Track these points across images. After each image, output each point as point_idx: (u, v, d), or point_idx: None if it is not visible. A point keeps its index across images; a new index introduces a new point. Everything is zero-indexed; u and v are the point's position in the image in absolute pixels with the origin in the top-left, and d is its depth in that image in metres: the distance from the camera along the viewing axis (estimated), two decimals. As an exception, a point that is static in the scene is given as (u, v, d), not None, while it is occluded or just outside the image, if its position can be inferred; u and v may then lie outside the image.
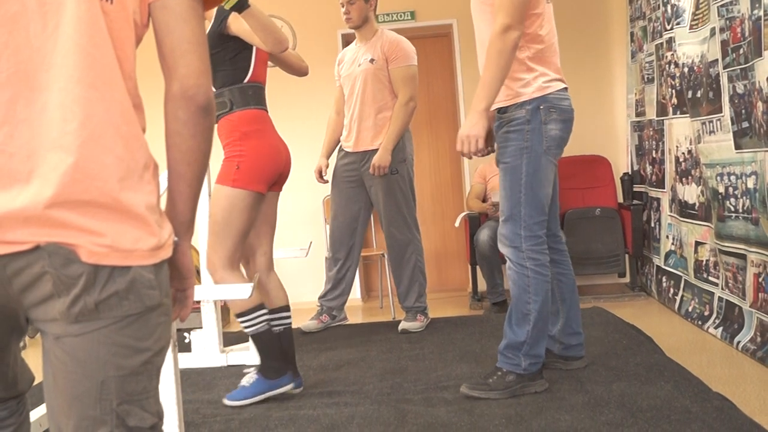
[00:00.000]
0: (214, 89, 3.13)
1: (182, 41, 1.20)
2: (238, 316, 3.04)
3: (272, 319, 3.12)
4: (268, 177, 3.07)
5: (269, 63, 3.27)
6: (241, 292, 3.74)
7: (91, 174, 1.06)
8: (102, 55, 1.10)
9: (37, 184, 1.03)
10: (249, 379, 3.10)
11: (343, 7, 4.31)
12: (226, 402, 3.08)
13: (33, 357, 4.51)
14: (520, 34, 2.79)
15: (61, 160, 1.04)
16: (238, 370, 3.69)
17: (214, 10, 3.08)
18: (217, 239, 3.03)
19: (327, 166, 4.53)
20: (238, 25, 2.96)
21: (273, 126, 3.17)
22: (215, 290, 3.78)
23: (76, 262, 1.05)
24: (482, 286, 5.35)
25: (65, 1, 1.08)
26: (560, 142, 2.95)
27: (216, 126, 3.16)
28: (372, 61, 4.29)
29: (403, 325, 4.37)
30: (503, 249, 3.00)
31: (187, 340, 4.07)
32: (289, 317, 3.22)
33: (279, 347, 3.10)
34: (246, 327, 3.05)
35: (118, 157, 1.09)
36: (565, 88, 2.99)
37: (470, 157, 2.91)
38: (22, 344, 5.20)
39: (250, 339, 3.83)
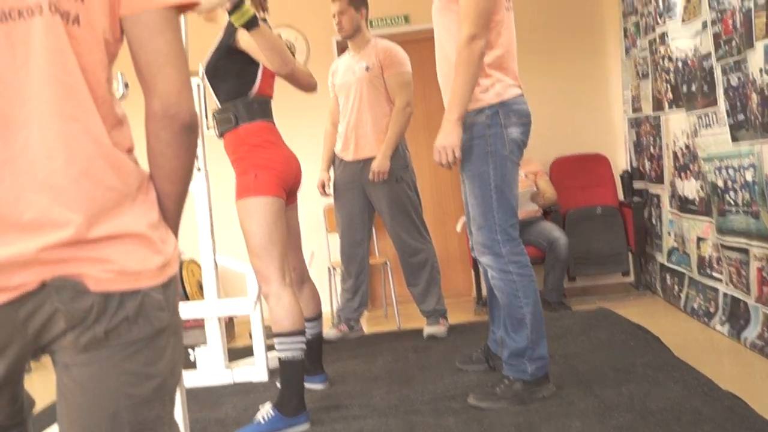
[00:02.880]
0: (218, 103, 3.12)
1: (158, 55, 1.12)
2: (277, 335, 2.93)
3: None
4: (285, 184, 3.03)
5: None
6: (244, 307, 3.74)
7: (84, 210, 1.03)
8: (77, 82, 1.06)
9: (31, 228, 1.01)
10: (264, 414, 2.91)
11: (335, 17, 4.33)
12: None
13: (38, 380, 4.50)
14: (485, 42, 2.82)
15: (52, 200, 1.02)
16: (244, 387, 3.68)
17: (225, 21, 3.07)
18: (264, 252, 2.94)
19: (329, 179, 4.54)
20: (246, 40, 2.93)
21: (281, 138, 3.13)
22: (219, 307, 3.78)
23: (85, 293, 1.03)
24: (486, 290, 5.33)
25: (32, 30, 1.03)
26: (521, 144, 2.97)
27: (222, 141, 3.13)
28: (367, 68, 4.30)
29: (428, 330, 4.35)
30: (483, 258, 2.97)
31: (192, 358, 4.06)
32: (318, 326, 3.34)
33: (302, 382, 2.97)
34: (280, 349, 2.92)
35: (109, 187, 1.07)
36: (522, 94, 3.00)
37: (449, 168, 2.89)
38: (27, 368, 5.18)
39: (254, 355, 3.83)
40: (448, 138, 2.82)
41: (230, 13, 2.77)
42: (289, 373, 2.94)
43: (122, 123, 1.14)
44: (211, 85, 3.13)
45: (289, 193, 3.10)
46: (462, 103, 2.82)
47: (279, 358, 2.95)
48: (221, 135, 3.12)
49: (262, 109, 3.09)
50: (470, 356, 3.52)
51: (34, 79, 1.03)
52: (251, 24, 2.77)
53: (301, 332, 2.95)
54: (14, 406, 1.23)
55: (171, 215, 1.21)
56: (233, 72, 3.05)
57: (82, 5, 1.07)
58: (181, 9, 1.16)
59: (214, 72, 3.08)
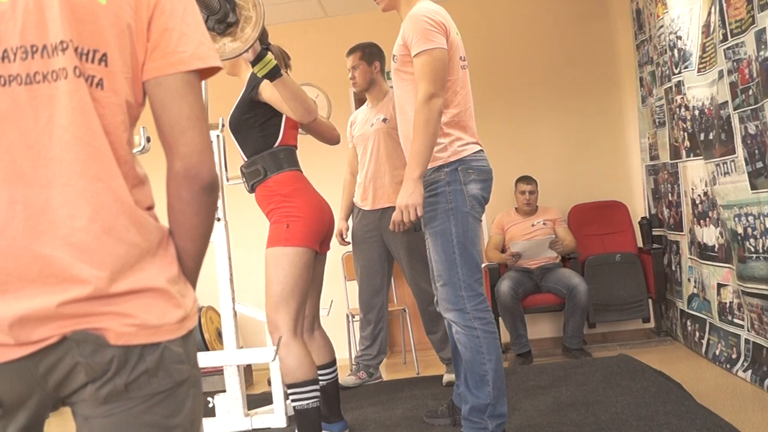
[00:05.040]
0: (245, 158, 3.13)
1: (180, 118, 1.14)
2: (290, 386, 2.91)
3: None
4: (317, 234, 3.02)
5: (300, 131, 3.29)
6: (263, 356, 3.75)
7: (106, 266, 1.05)
8: (101, 144, 1.08)
9: (52, 284, 1.02)
10: None
11: (349, 72, 4.42)
12: None
13: (56, 427, 4.50)
14: (443, 100, 2.83)
15: (74, 257, 1.03)
16: (263, 435, 3.67)
17: (248, 75, 3.12)
18: (281, 301, 2.93)
19: (347, 229, 4.57)
20: (269, 92, 2.96)
21: (311, 185, 3.13)
22: (239, 356, 3.79)
23: (106, 346, 1.04)
24: (505, 337, 5.31)
25: (57, 92, 1.06)
26: (482, 200, 2.96)
27: (254, 195, 3.13)
28: (385, 120, 4.36)
29: (447, 377, 4.33)
30: (447, 314, 2.95)
31: (210, 405, 4.05)
32: (333, 372, 3.29)
33: (320, 430, 2.94)
34: (295, 400, 2.90)
35: (131, 243, 1.08)
36: (481, 151, 3.00)
37: (409, 226, 2.87)
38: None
39: (274, 402, 3.82)
40: (412, 197, 2.79)
41: (253, 64, 2.81)
42: (305, 422, 2.92)
43: (143, 182, 1.16)
44: (235, 139, 3.15)
45: (322, 241, 3.08)
46: (422, 162, 2.80)
47: (294, 408, 2.93)
48: (252, 189, 3.13)
49: (288, 158, 3.10)
50: (436, 411, 3.49)
51: (56, 140, 1.05)
52: (274, 74, 2.80)
53: (314, 381, 2.92)
54: None
55: (190, 270, 1.22)
56: (257, 125, 3.07)
57: (106, 69, 1.10)
58: (203, 74, 1.19)
59: (238, 126, 3.11)
